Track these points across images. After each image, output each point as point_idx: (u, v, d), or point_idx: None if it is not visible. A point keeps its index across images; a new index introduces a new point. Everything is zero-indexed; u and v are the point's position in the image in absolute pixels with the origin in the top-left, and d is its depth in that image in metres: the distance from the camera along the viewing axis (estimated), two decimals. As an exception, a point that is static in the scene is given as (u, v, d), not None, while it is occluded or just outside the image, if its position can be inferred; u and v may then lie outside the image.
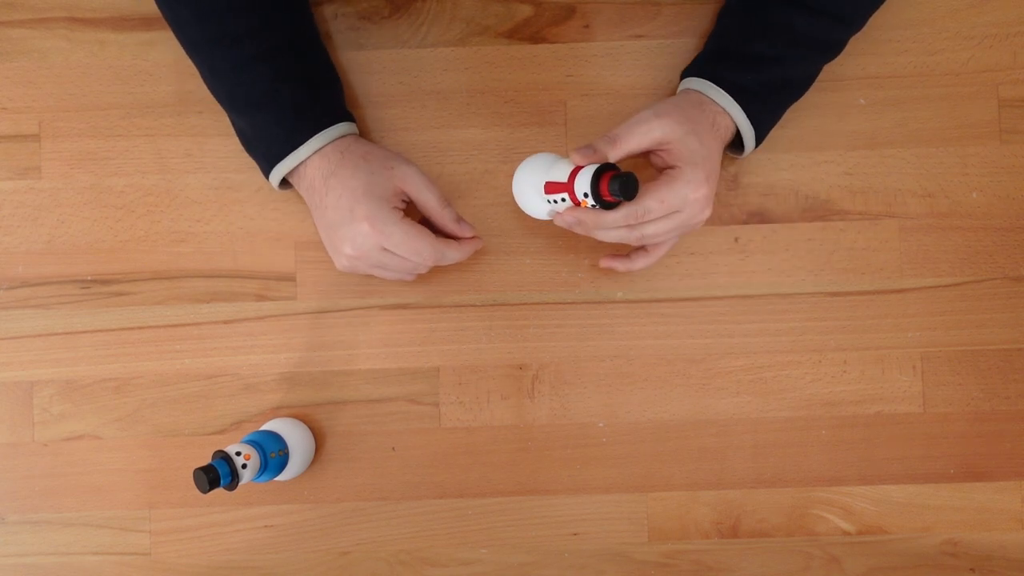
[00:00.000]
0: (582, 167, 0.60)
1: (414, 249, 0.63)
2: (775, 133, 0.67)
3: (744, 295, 0.70)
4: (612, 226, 0.61)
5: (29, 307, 0.71)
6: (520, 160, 0.64)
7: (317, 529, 0.71)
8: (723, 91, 0.63)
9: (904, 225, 0.70)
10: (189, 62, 0.68)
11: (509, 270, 0.70)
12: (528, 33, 0.70)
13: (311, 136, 0.63)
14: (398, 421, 0.70)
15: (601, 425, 0.70)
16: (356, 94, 0.71)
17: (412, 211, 0.66)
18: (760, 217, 0.70)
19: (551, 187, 0.62)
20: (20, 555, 0.71)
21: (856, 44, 0.67)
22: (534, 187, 0.63)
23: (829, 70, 0.67)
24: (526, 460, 0.70)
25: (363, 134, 0.71)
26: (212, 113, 0.70)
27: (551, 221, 0.65)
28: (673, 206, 0.60)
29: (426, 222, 0.66)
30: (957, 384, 0.70)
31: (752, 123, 0.64)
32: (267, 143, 0.64)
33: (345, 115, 0.66)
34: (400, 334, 0.70)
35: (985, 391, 0.70)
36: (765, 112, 0.65)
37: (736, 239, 0.70)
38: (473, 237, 0.67)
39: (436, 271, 0.70)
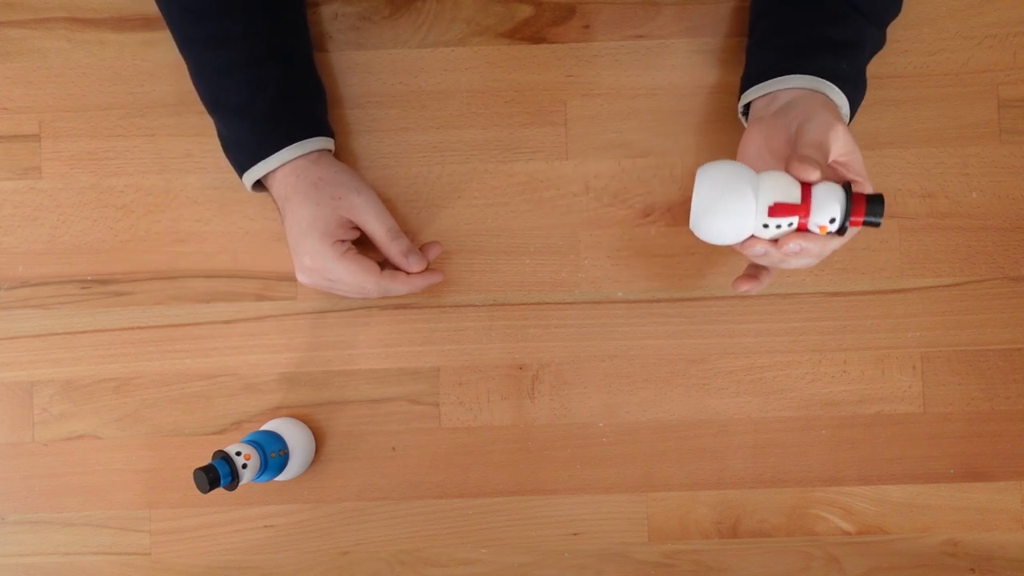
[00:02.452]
0: (811, 186, 0.53)
1: (356, 285, 0.65)
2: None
3: (744, 295, 0.70)
4: (824, 256, 0.56)
5: (29, 307, 0.71)
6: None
7: (317, 529, 0.71)
8: (830, 83, 0.60)
9: (904, 225, 0.70)
10: (189, 62, 0.68)
11: (509, 270, 0.70)
12: (528, 33, 0.70)
13: (280, 148, 0.63)
14: (398, 421, 0.70)
15: (601, 425, 0.70)
16: (356, 94, 0.71)
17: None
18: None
19: (780, 210, 0.53)
20: (20, 555, 0.71)
21: (856, 44, 0.67)
22: (741, 206, 0.53)
23: (829, 70, 0.67)
24: (526, 460, 0.70)
25: (364, 134, 0.71)
26: (212, 113, 0.70)
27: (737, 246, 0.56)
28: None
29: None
30: (957, 384, 0.70)
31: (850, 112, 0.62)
32: (239, 148, 0.65)
33: (322, 129, 0.66)
34: (400, 334, 0.70)
35: (985, 391, 0.70)
36: (855, 102, 0.63)
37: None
38: (426, 271, 0.67)
39: (436, 271, 0.70)
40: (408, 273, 0.66)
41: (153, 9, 0.65)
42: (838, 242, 0.56)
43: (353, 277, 0.64)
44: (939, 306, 0.70)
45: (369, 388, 0.70)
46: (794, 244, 0.54)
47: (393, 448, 0.70)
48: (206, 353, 0.71)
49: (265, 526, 0.71)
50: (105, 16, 0.71)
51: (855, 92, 0.62)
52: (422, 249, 0.68)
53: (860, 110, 0.69)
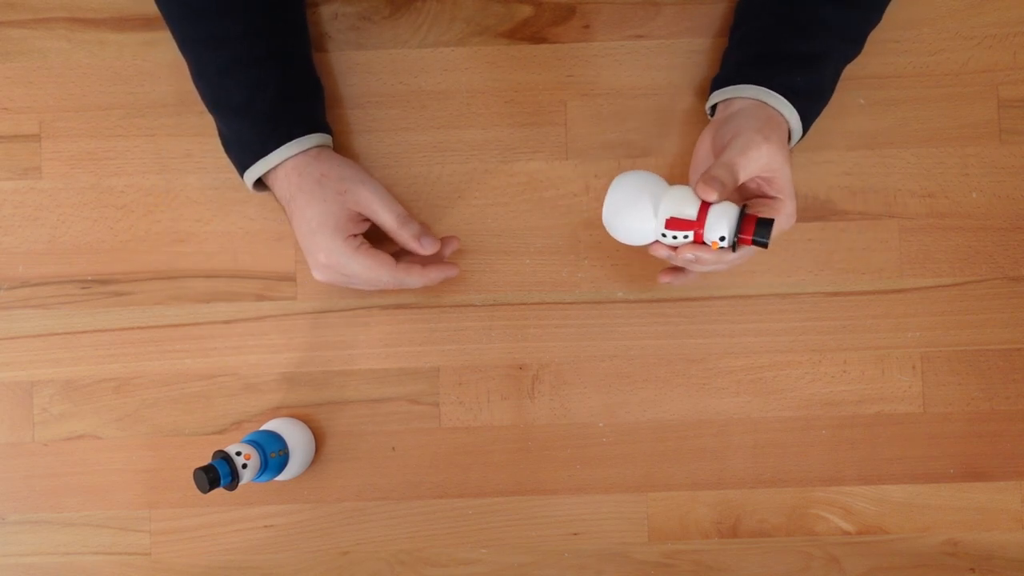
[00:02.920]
0: (710, 204, 0.57)
1: (372, 279, 0.64)
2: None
3: (744, 295, 0.70)
4: (729, 264, 0.61)
5: (29, 307, 0.71)
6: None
7: (317, 529, 0.71)
8: (782, 97, 0.61)
9: (904, 225, 0.70)
10: (189, 62, 0.68)
11: (509, 270, 0.70)
12: (528, 33, 0.70)
13: (279, 146, 0.63)
14: (398, 421, 0.70)
15: (601, 425, 0.70)
16: (356, 94, 0.71)
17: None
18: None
19: (675, 224, 0.58)
20: (20, 555, 0.71)
21: (856, 44, 0.68)
22: (641, 215, 0.59)
23: (829, 70, 0.67)
24: (526, 460, 0.70)
25: (364, 134, 0.71)
26: (212, 113, 0.70)
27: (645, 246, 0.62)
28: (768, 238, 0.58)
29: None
30: (957, 384, 0.70)
31: (802, 127, 0.63)
32: (240, 147, 0.65)
33: (320, 127, 0.66)
34: (400, 334, 0.70)
35: (985, 391, 0.70)
36: (811, 114, 0.64)
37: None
38: (441, 263, 0.67)
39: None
40: (422, 265, 0.66)
41: (153, 9, 0.65)
42: (737, 256, 0.60)
43: (369, 272, 0.64)
44: (939, 306, 0.70)
45: (369, 388, 0.70)
46: (689, 254, 0.59)
47: (393, 448, 0.71)
48: (206, 353, 0.71)
49: (265, 526, 0.71)
50: (105, 16, 0.71)
51: (812, 104, 0.64)
52: (447, 243, 0.68)
53: (860, 110, 0.69)
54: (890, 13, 0.68)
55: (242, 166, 0.65)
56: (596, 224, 0.70)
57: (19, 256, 0.71)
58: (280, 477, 0.67)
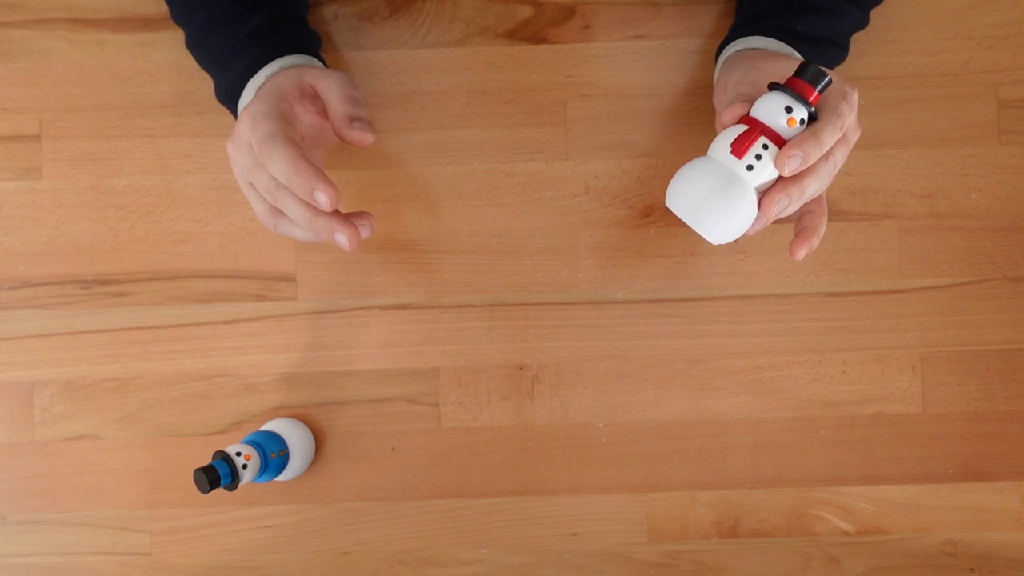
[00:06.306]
0: (747, 114, 0.51)
1: (276, 169, 0.53)
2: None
3: (744, 295, 0.70)
4: (830, 138, 0.51)
5: (29, 307, 0.71)
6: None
7: (317, 529, 0.71)
8: (777, 40, 0.60)
9: (904, 225, 0.70)
10: (189, 62, 0.68)
11: (509, 270, 0.71)
12: (528, 33, 0.70)
13: (268, 62, 0.60)
14: (398, 421, 0.70)
15: (601, 425, 0.70)
16: (356, 94, 0.71)
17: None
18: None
19: (742, 143, 0.50)
20: (20, 555, 0.71)
21: (856, 44, 0.67)
22: (714, 182, 0.51)
23: (829, 70, 0.67)
24: (526, 460, 0.70)
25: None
26: (212, 113, 0.70)
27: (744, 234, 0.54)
28: (851, 100, 0.52)
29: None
30: (956, 384, 0.70)
31: None
32: (232, 79, 0.62)
33: (312, 53, 0.63)
34: (400, 334, 0.71)
35: (985, 391, 0.70)
36: (820, 61, 0.62)
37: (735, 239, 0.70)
38: (350, 218, 0.56)
39: (436, 271, 0.70)
40: (348, 140, 0.56)
41: (153, 9, 0.65)
42: (830, 126, 0.51)
43: (277, 156, 0.52)
44: (939, 306, 0.70)
45: (369, 388, 0.70)
46: (793, 155, 0.50)
47: (393, 448, 0.71)
48: (206, 353, 0.71)
49: (265, 526, 0.71)
50: (105, 16, 0.71)
51: (819, 52, 0.61)
52: (357, 216, 0.59)
53: (860, 110, 0.69)
54: (890, 13, 0.68)
55: (232, 97, 0.62)
56: (596, 224, 0.70)
57: (19, 256, 0.71)
58: (280, 477, 0.67)
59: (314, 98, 0.58)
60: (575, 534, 0.70)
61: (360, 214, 0.58)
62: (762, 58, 0.58)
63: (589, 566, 0.70)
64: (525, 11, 0.70)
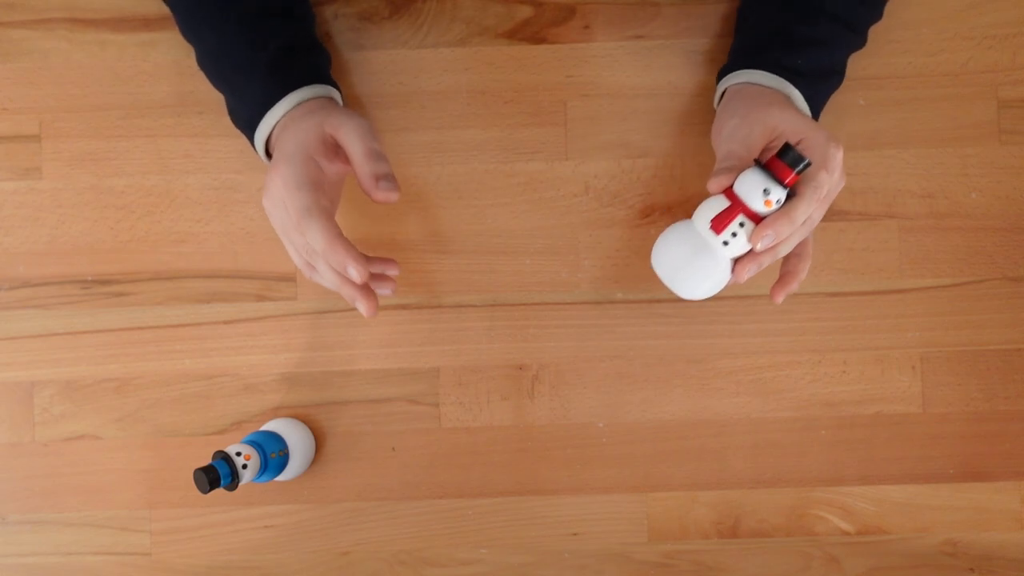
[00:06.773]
0: (730, 187, 0.56)
1: (303, 223, 0.56)
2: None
3: (744, 295, 0.70)
4: (804, 215, 0.55)
5: (30, 307, 0.71)
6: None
7: (317, 529, 0.71)
8: (776, 76, 0.61)
9: (904, 225, 0.70)
10: (189, 62, 0.68)
11: (509, 270, 0.71)
12: (528, 33, 0.70)
13: (285, 95, 0.61)
14: (398, 421, 0.70)
15: (601, 425, 0.70)
16: (356, 94, 0.71)
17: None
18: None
19: (721, 221, 0.56)
20: (20, 555, 0.71)
21: (856, 44, 0.68)
22: (691, 249, 0.57)
23: (829, 70, 0.67)
24: (526, 460, 0.70)
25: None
26: (212, 113, 0.70)
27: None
28: (832, 165, 0.56)
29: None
30: (956, 384, 0.70)
31: (810, 108, 0.62)
32: (248, 108, 0.62)
33: (326, 80, 0.64)
34: (400, 334, 0.71)
35: (984, 391, 0.70)
36: (818, 94, 0.63)
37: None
38: (382, 279, 0.62)
39: (436, 271, 0.70)
40: (376, 200, 0.58)
41: (153, 9, 0.65)
42: (804, 203, 0.55)
43: (311, 233, 0.55)
44: (939, 306, 0.70)
45: (369, 388, 0.71)
46: (765, 237, 0.55)
47: (393, 448, 0.71)
48: (206, 353, 0.71)
49: (265, 526, 0.71)
50: (105, 16, 0.71)
51: (817, 84, 0.63)
52: (381, 263, 0.64)
53: (860, 110, 0.69)
54: (890, 13, 0.68)
55: (250, 127, 0.63)
56: (596, 224, 0.70)
57: (19, 256, 0.71)
58: (280, 477, 0.67)
59: (336, 148, 0.60)
60: (575, 534, 0.70)
61: (384, 269, 0.64)
62: (757, 107, 0.59)
63: (589, 566, 0.70)
64: (525, 11, 0.70)
